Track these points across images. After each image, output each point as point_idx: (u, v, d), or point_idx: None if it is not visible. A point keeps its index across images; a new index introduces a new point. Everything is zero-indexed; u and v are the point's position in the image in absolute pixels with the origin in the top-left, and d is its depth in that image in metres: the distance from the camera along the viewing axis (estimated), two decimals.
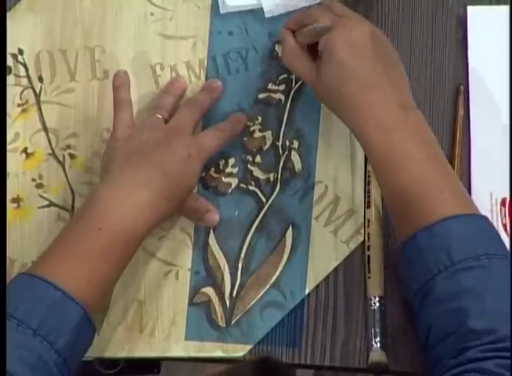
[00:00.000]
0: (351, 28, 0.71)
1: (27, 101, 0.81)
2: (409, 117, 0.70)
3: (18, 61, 0.82)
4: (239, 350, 0.77)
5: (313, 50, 0.74)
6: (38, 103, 0.81)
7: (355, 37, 0.70)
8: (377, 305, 0.76)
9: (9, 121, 0.80)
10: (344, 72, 0.70)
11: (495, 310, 0.62)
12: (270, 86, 0.81)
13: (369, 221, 0.78)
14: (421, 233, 0.66)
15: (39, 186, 0.80)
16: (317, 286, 0.78)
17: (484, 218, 0.68)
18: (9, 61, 0.81)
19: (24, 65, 0.81)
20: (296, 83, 0.81)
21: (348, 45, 0.70)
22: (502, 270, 0.64)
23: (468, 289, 0.63)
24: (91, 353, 0.76)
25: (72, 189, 0.80)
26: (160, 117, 0.76)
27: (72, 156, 0.80)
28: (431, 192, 0.67)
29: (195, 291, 0.78)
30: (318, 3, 0.82)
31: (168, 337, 0.77)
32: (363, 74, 0.69)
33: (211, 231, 0.79)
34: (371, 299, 0.76)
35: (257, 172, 0.80)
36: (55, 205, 0.79)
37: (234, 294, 0.78)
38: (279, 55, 0.81)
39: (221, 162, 0.80)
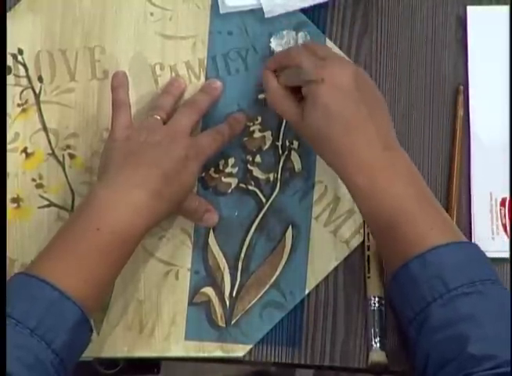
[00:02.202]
0: (334, 71, 0.71)
1: (26, 101, 0.81)
2: (394, 157, 0.70)
3: (18, 61, 0.82)
4: (239, 350, 0.77)
5: (297, 92, 0.74)
6: (38, 102, 0.81)
7: (339, 80, 0.70)
8: (377, 305, 0.76)
9: (8, 120, 0.80)
10: (328, 116, 0.70)
11: (495, 336, 0.62)
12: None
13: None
14: (413, 261, 0.66)
15: (39, 186, 0.80)
16: (317, 286, 0.78)
17: (474, 245, 0.69)
18: (9, 61, 0.81)
19: (24, 65, 0.81)
20: None
21: (332, 89, 0.70)
22: (497, 295, 0.65)
23: (466, 315, 0.63)
24: (91, 353, 0.76)
25: (72, 189, 0.80)
26: (159, 117, 0.76)
27: (72, 156, 0.80)
28: (420, 224, 0.67)
29: (195, 290, 0.78)
30: (316, 4, 0.82)
31: (168, 337, 0.77)
32: (347, 116, 0.70)
33: (211, 231, 0.79)
34: (371, 299, 0.76)
35: (256, 172, 0.80)
36: (55, 205, 0.79)
37: (234, 294, 0.78)
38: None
39: (221, 162, 0.80)
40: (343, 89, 0.70)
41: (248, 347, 0.77)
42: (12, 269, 0.77)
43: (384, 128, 0.71)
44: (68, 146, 0.80)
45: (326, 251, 0.78)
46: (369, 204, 0.69)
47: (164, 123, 0.76)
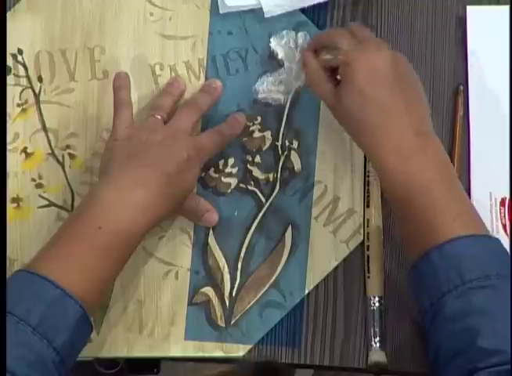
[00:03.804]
0: (370, 54, 0.71)
1: (26, 101, 0.81)
2: (427, 144, 0.70)
3: (17, 61, 0.82)
4: (239, 350, 0.77)
5: (335, 73, 0.74)
6: (38, 102, 0.81)
7: (375, 64, 0.71)
8: (377, 305, 0.76)
9: (8, 120, 0.80)
10: (363, 99, 0.70)
11: (505, 331, 0.62)
12: (270, 86, 0.81)
13: (368, 221, 0.78)
14: (434, 251, 0.66)
15: (39, 185, 0.80)
16: (316, 286, 0.78)
17: (495, 239, 0.68)
18: (9, 61, 0.81)
19: (24, 65, 0.81)
20: (295, 83, 0.81)
21: (368, 72, 0.70)
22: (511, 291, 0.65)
23: (478, 308, 0.63)
24: (91, 353, 0.76)
25: (72, 189, 0.80)
26: (160, 117, 0.76)
27: (72, 156, 0.80)
28: (444, 214, 0.67)
29: (194, 290, 0.78)
30: (316, 4, 0.82)
31: (168, 337, 0.77)
32: (382, 101, 0.70)
33: (211, 231, 0.79)
34: (370, 299, 0.77)
35: (256, 172, 0.80)
36: (55, 205, 0.79)
37: (234, 294, 0.78)
38: (279, 56, 0.81)
39: (221, 162, 0.80)
40: (378, 73, 0.70)
41: (248, 347, 0.77)
42: (12, 269, 0.77)
43: (419, 113, 0.71)
44: (68, 146, 0.80)
45: (325, 251, 0.78)
46: (397, 189, 0.69)
47: (165, 123, 0.76)
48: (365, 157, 0.79)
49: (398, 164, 0.69)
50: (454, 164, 0.79)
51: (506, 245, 0.77)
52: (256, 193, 0.80)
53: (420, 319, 0.69)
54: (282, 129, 0.80)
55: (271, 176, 0.80)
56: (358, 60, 0.71)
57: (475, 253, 0.66)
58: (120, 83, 0.77)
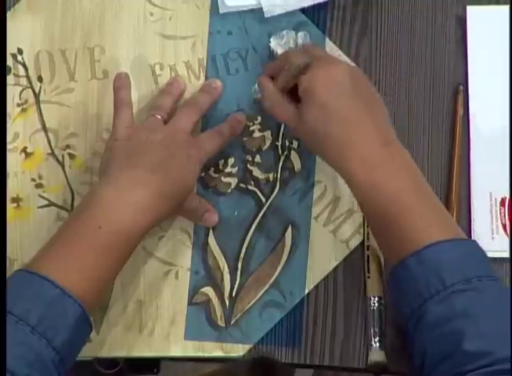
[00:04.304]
0: (328, 68, 0.71)
1: (26, 101, 0.81)
2: (393, 152, 0.70)
3: (17, 61, 0.82)
4: (239, 350, 0.77)
5: (293, 95, 0.74)
6: (38, 102, 0.81)
7: (333, 77, 0.71)
8: (377, 304, 0.76)
9: (8, 120, 0.80)
10: (324, 112, 0.70)
11: (490, 332, 0.62)
12: None
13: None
14: (411, 258, 0.66)
15: (39, 185, 0.80)
16: (316, 286, 0.78)
17: (472, 241, 0.68)
18: (9, 61, 0.81)
19: (24, 65, 0.81)
20: None
21: (327, 85, 0.70)
22: (493, 292, 0.65)
23: (462, 312, 0.63)
24: (91, 353, 0.76)
25: (71, 189, 0.80)
26: (160, 117, 0.76)
27: (71, 156, 0.80)
28: (418, 220, 0.67)
29: (194, 290, 0.78)
30: (316, 4, 0.82)
31: (168, 337, 0.77)
32: (344, 112, 0.70)
33: (211, 231, 0.79)
34: (370, 299, 0.77)
35: (256, 172, 0.80)
36: (55, 205, 0.79)
37: (234, 294, 0.78)
38: (278, 55, 0.81)
39: (221, 162, 0.80)
40: (338, 86, 0.70)
41: (248, 347, 0.77)
42: (12, 268, 0.77)
43: (382, 123, 0.71)
44: (68, 146, 0.80)
45: (325, 250, 0.78)
46: (368, 200, 0.69)
47: (165, 122, 0.76)
48: None
49: (366, 175, 0.68)
50: (454, 164, 0.79)
51: (506, 245, 0.77)
52: (256, 193, 0.80)
53: (403, 326, 0.68)
54: (282, 129, 0.80)
55: (271, 176, 0.80)
56: (317, 75, 0.71)
57: (454, 257, 0.66)
58: (121, 83, 0.77)
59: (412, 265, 0.66)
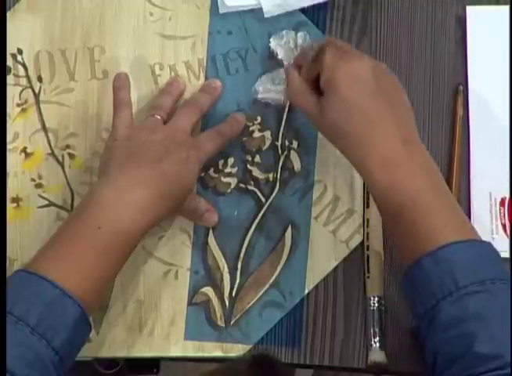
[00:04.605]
0: (351, 62, 0.70)
1: (26, 101, 0.81)
2: (413, 151, 0.69)
3: (17, 61, 0.82)
4: (239, 350, 0.77)
5: (318, 87, 0.72)
6: (38, 102, 0.81)
7: (356, 72, 0.69)
8: (376, 305, 0.76)
9: (8, 120, 0.80)
10: (346, 107, 0.69)
11: (502, 335, 0.62)
12: (269, 86, 0.81)
13: (368, 220, 0.78)
14: (426, 258, 0.65)
15: (38, 185, 0.80)
16: (316, 286, 0.78)
17: (487, 243, 0.68)
18: (9, 61, 0.81)
19: (23, 65, 0.81)
20: None
21: (350, 80, 0.69)
22: (506, 295, 0.64)
23: (474, 314, 0.63)
24: (91, 353, 0.76)
25: (71, 189, 0.80)
26: (159, 117, 0.76)
27: (71, 156, 0.80)
28: (435, 220, 0.67)
29: (194, 290, 0.78)
30: (316, 4, 0.82)
31: (167, 337, 0.77)
32: (366, 109, 0.69)
33: (211, 231, 0.79)
34: (370, 299, 0.77)
35: (256, 172, 0.80)
36: (55, 205, 0.79)
37: (233, 294, 0.78)
38: (278, 56, 0.81)
39: (221, 162, 0.80)
40: (362, 81, 0.69)
41: (248, 347, 0.77)
42: (12, 268, 0.77)
43: (404, 121, 0.70)
44: (67, 146, 0.80)
45: (325, 250, 0.78)
46: (385, 198, 0.68)
47: (165, 122, 0.76)
48: None
49: (386, 174, 0.68)
50: (454, 164, 0.79)
51: (506, 245, 0.77)
52: (256, 193, 0.80)
53: (416, 326, 0.68)
54: (281, 129, 0.81)
55: (271, 176, 0.80)
56: (340, 69, 0.69)
57: (468, 258, 0.65)
58: (120, 83, 0.77)
59: (427, 265, 0.65)
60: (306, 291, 0.78)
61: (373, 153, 0.68)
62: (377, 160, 0.68)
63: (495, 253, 0.67)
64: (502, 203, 0.79)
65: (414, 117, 0.71)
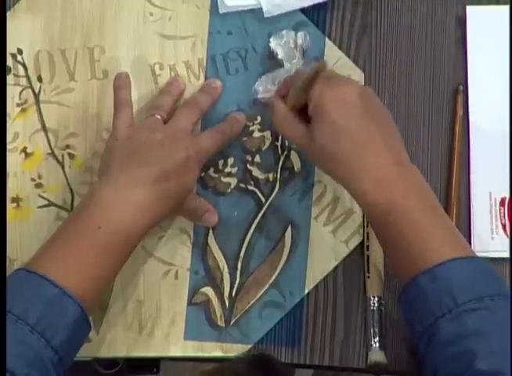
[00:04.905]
0: (339, 88, 0.70)
1: (26, 101, 0.81)
2: (405, 172, 0.69)
3: (17, 61, 0.82)
4: (239, 350, 0.77)
5: (304, 116, 0.72)
6: (37, 102, 0.81)
7: (344, 97, 0.70)
8: (376, 305, 0.76)
9: (8, 120, 0.80)
10: (335, 132, 0.69)
11: (502, 352, 0.61)
12: (269, 86, 0.81)
13: (368, 221, 0.78)
14: (422, 275, 0.65)
15: (38, 185, 0.80)
16: (316, 286, 0.78)
17: (483, 259, 0.68)
18: (9, 61, 0.81)
19: (23, 65, 0.81)
20: None
21: (338, 105, 0.69)
22: (505, 311, 0.64)
23: (474, 331, 0.63)
24: (91, 353, 0.76)
25: (71, 189, 0.80)
26: (159, 117, 0.76)
27: (71, 156, 0.80)
28: (431, 239, 0.67)
29: (194, 290, 0.78)
30: (316, 4, 0.82)
31: (167, 337, 0.77)
32: (356, 131, 0.69)
33: (211, 231, 0.79)
34: (370, 299, 0.77)
35: (256, 172, 0.80)
36: (55, 205, 0.79)
37: (233, 294, 0.78)
38: (278, 56, 0.81)
39: (221, 162, 0.80)
40: (349, 105, 0.69)
41: (247, 347, 0.77)
42: (12, 268, 0.76)
43: (394, 143, 0.70)
44: (67, 146, 0.80)
45: (325, 250, 0.78)
46: (380, 219, 0.68)
47: (165, 122, 0.76)
48: None
49: (379, 195, 0.68)
50: (454, 164, 0.79)
51: (506, 245, 0.77)
52: (256, 193, 0.80)
53: (415, 344, 0.68)
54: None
55: (270, 176, 0.80)
56: (327, 94, 0.69)
57: (466, 275, 0.65)
58: (121, 83, 0.77)
59: (424, 283, 0.65)
60: (306, 291, 0.78)
61: (365, 176, 0.68)
62: (369, 181, 0.68)
63: (491, 270, 0.67)
64: (502, 203, 0.79)
65: (402, 141, 0.71)
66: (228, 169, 0.80)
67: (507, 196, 0.79)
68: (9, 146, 0.80)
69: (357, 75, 0.81)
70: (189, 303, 0.78)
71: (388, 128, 0.71)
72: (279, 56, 0.81)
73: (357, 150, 0.69)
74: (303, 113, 0.72)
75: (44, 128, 0.81)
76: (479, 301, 0.64)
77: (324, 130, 0.70)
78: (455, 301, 0.64)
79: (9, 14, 0.82)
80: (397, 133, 0.71)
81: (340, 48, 0.82)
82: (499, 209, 0.79)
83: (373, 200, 0.68)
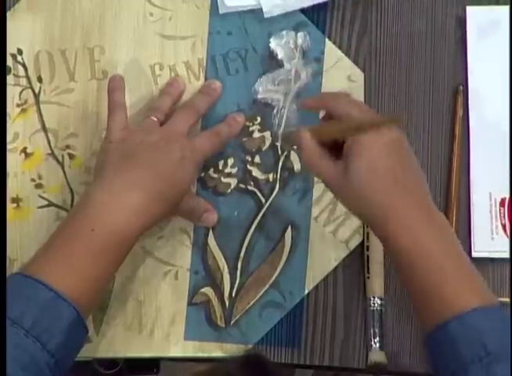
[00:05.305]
0: (381, 130, 0.68)
1: (26, 101, 0.81)
2: (435, 217, 0.68)
3: (17, 61, 0.82)
4: (239, 350, 0.77)
5: (331, 148, 0.69)
6: (37, 103, 0.81)
7: (383, 138, 0.68)
8: (376, 305, 0.76)
9: (8, 120, 0.80)
10: (374, 170, 0.67)
11: None
12: (269, 86, 0.81)
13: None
14: (452, 321, 0.64)
15: (38, 186, 0.80)
16: (316, 286, 0.78)
17: (505, 307, 0.68)
18: (9, 61, 0.81)
19: (23, 65, 0.81)
20: (295, 83, 0.81)
21: (379, 145, 0.67)
22: None
23: None
24: (91, 353, 0.76)
25: (71, 189, 0.80)
26: (156, 119, 0.76)
27: (71, 156, 0.80)
28: (460, 285, 0.66)
29: (194, 291, 0.78)
30: (316, 4, 0.82)
31: (167, 337, 0.77)
32: (394, 172, 0.67)
33: (210, 231, 0.79)
34: (370, 299, 0.77)
35: (256, 172, 0.80)
36: (55, 205, 0.79)
37: (233, 295, 0.78)
38: (278, 56, 0.81)
39: (221, 162, 0.80)
40: (390, 146, 0.68)
41: (248, 347, 0.77)
42: (12, 268, 0.77)
43: (423, 191, 0.69)
44: (67, 146, 0.80)
45: (325, 251, 0.78)
46: (410, 263, 0.67)
47: (162, 124, 0.76)
48: None
49: (409, 241, 0.66)
50: (454, 164, 0.79)
51: (506, 245, 0.77)
52: (256, 194, 0.80)
53: None
54: (282, 129, 0.80)
55: (270, 176, 0.80)
56: (370, 135, 0.67)
57: (494, 324, 0.65)
58: (115, 85, 0.77)
59: (454, 329, 0.64)
60: (306, 291, 0.78)
61: (397, 222, 0.67)
62: (401, 228, 0.67)
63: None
64: (502, 203, 0.79)
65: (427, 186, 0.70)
66: (228, 169, 0.80)
67: (507, 196, 0.79)
68: (9, 147, 0.80)
69: (357, 75, 0.81)
70: (189, 303, 0.78)
71: (419, 175, 0.70)
72: (279, 56, 0.81)
73: (394, 189, 0.67)
74: (329, 147, 0.70)
75: (44, 128, 0.81)
76: (508, 348, 0.63)
77: (362, 166, 0.67)
78: (485, 350, 0.63)
79: (9, 14, 0.82)
80: (426, 182, 0.70)
81: (340, 48, 0.82)
82: (499, 209, 0.79)
83: (402, 243, 0.67)
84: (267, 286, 0.78)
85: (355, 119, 0.68)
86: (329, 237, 0.79)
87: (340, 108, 0.69)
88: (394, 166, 0.68)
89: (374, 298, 0.76)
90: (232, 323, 0.77)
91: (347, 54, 0.82)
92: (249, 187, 0.80)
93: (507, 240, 0.78)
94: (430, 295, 0.67)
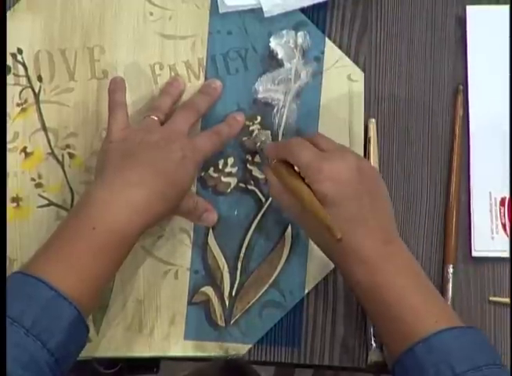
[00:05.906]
0: (334, 166, 0.69)
1: (26, 100, 0.81)
2: (394, 250, 0.69)
3: (17, 60, 0.82)
4: (239, 350, 0.77)
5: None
6: (37, 102, 0.81)
7: (340, 176, 0.69)
8: None
9: (8, 120, 0.80)
10: (328, 209, 0.68)
11: None
12: (269, 86, 0.81)
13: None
14: (418, 345, 0.64)
15: (38, 185, 0.80)
16: (316, 286, 0.78)
17: (476, 329, 0.67)
18: (8, 60, 0.81)
19: (23, 64, 0.81)
20: (295, 83, 0.81)
21: (333, 184, 0.68)
22: None
23: None
24: (91, 353, 0.76)
25: (71, 189, 0.80)
26: (156, 118, 0.76)
27: (71, 155, 0.80)
28: (424, 317, 0.66)
29: (194, 290, 0.78)
30: (316, 3, 0.82)
31: (167, 336, 0.77)
32: (349, 211, 0.68)
33: (210, 230, 0.79)
34: None
35: (256, 172, 0.80)
36: (55, 205, 0.79)
37: (233, 294, 0.78)
38: (278, 55, 0.81)
39: (221, 162, 0.80)
40: (344, 183, 0.68)
41: (247, 347, 0.77)
42: (12, 268, 0.77)
43: (386, 220, 0.70)
44: (67, 146, 0.80)
45: None
46: (368, 298, 0.68)
47: (162, 124, 0.76)
48: (364, 155, 0.79)
49: (368, 275, 0.67)
50: (454, 164, 0.79)
51: (506, 245, 0.77)
52: (256, 193, 0.80)
53: None
54: (281, 129, 0.80)
55: None
56: (321, 171, 0.69)
57: (462, 345, 0.65)
58: (116, 86, 0.77)
59: (421, 353, 0.64)
60: (306, 291, 0.78)
61: (354, 252, 0.68)
62: (358, 258, 0.68)
63: (485, 338, 0.66)
64: (502, 203, 0.79)
65: (393, 211, 0.71)
66: (228, 169, 0.80)
67: (507, 196, 0.79)
68: (8, 146, 0.80)
69: (357, 74, 0.81)
70: (189, 303, 0.78)
71: (382, 204, 0.70)
72: (279, 56, 0.81)
73: (349, 226, 0.68)
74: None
75: (44, 127, 0.81)
76: (477, 371, 0.63)
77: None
78: (453, 371, 0.63)
79: (8, 14, 0.82)
80: (390, 208, 0.71)
81: (340, 48, 0.82)
82: (499, 209, 0.79)
83: (359, 278, 0.68)
84: (267, 285, 0.78)
85: (304, 167, 0.70)
86: None
87: (291, 158, 0.71)
88: (349, 202, 0.68)
89: None
90: (232, 322, 0.77)
91: (347, 53, 0.82)
92: (249, 186, 0.80)
93: (507, 240, 0.78)
94: (395, 327, 0.67)
